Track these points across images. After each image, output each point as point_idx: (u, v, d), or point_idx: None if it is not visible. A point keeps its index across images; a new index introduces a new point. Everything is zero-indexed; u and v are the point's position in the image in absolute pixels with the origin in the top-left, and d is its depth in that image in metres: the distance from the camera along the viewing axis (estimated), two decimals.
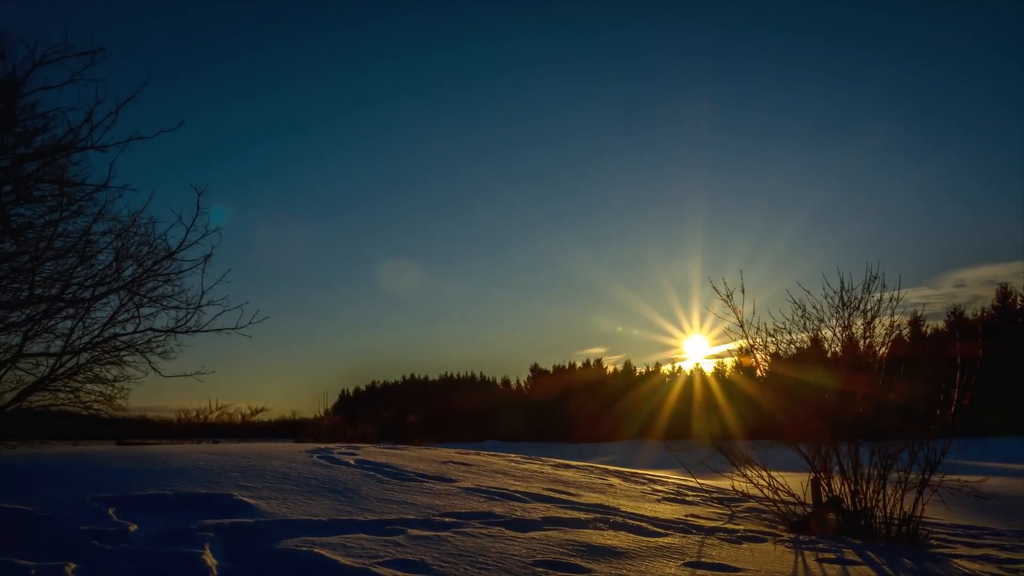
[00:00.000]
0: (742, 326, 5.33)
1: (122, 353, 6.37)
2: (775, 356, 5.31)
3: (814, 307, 5.14)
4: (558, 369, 55.81)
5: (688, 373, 49.83)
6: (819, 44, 50.66)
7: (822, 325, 5.10)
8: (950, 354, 4.63)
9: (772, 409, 5.29)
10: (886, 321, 4.95)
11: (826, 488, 4.75)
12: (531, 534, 3.57)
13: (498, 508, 4.20)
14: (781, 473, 5.00)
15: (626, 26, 55.11)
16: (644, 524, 4.21)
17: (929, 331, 28.49)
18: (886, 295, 4.96)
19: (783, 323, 5.27)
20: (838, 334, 5.04)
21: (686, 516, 4.75)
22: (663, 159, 62.61)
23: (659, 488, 6.29)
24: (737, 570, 3.21)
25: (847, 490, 4.68)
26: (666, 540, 3.79)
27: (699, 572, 3.11)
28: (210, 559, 2.69)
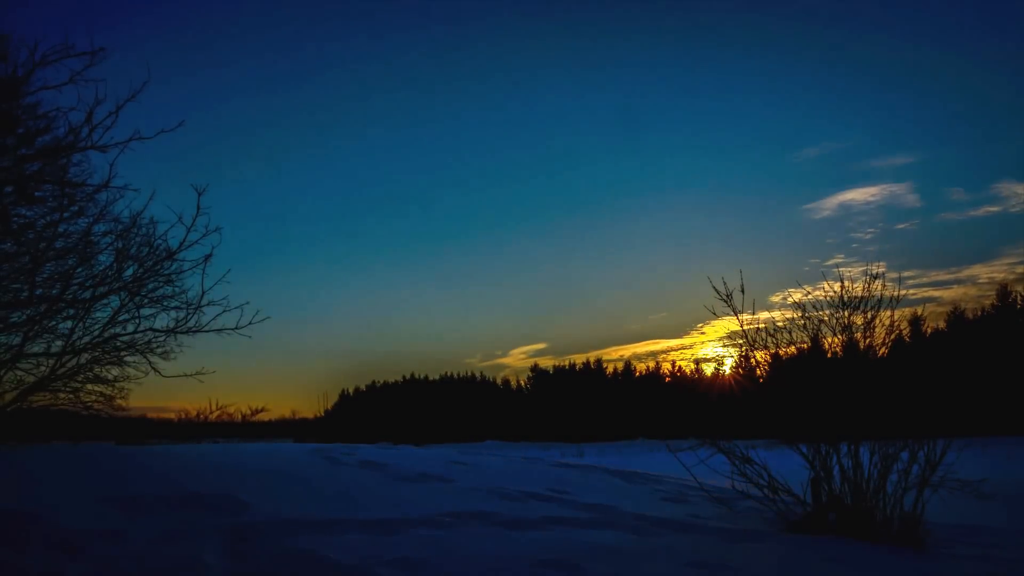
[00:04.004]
0: (742, 326, 5.34)
1: (122, 353, 6.36)
2: (775, 356, 5.31)
3: (814, 307, 5.14)
4: (558, 369, 55.84)
5: (689, 373, 49.87)
6: None
7: (822, 325, 5.10)
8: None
9: (773, 409, 5.29)
10: (886, 321, 4.95)
11: (826, 488, 4.75)
12: (531, 534, 3.58)
13: (498, 508, 4.20)
14: (781, 473, 5.00)
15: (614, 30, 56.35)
16: (644, 524, 4.21)
17: (929, 331, 28.54)
18: (886, 294, 4.97)
19: (783, 323, 5.28)
20: (838, 334, 5.04)
21: (686, 516, 4.75)
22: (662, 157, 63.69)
23: (659, 488, 6.29)
24: (737, 570, 3.21)
25: (847, 490, 4.68)
26: (666, 540, 3.79)
27: (699, 572, 3.11)
28: (210, 559, 2.69)
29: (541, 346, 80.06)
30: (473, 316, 78.16)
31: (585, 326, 76.87)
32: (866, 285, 4.98)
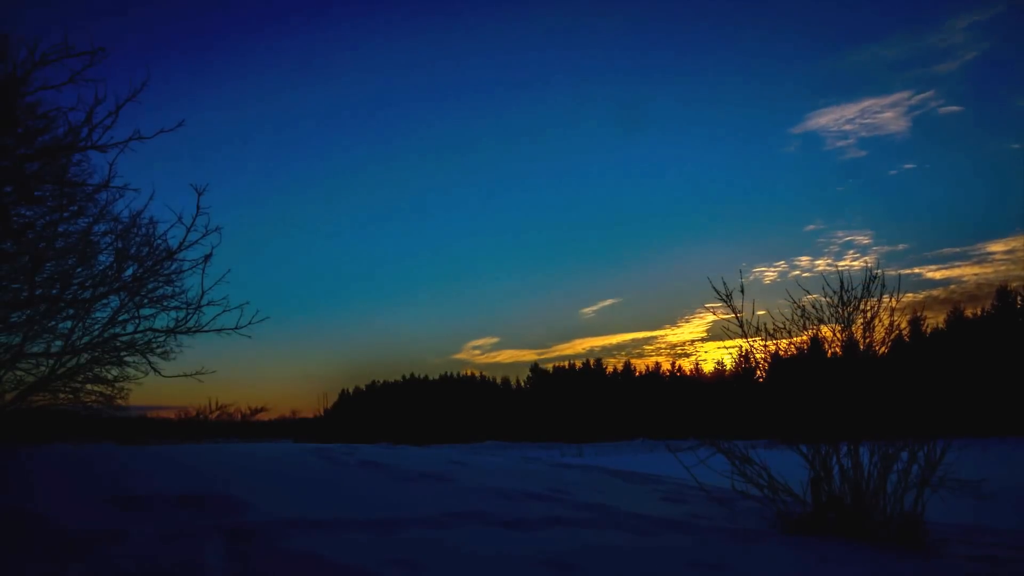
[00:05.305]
0: (741, 326, 5.33)
1: (122, 353, 6.37)
2: (775, 356, 5.31)
3: (813, 307, 5.14)
4: (558, 369, 55.90)
5: (689, 372, 49.92)
6: None
7: (822, 325, 5.11)
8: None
9: (773, 409, 5.28)
10: (886, 320, 4.95)
11: (826, 488, 4.76)
12: (531, 534, 3.58)
13: (498, 508, 4.20)
14: (781, 473, 5.00)
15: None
16: (644, 524, 4.21)
17: (929, 330, 28.57)
18: (886, 295, 4.97)
19: (783, 323, 5.27)
20: (838, 334, 5.04)
21: (685, 516, 4.76)
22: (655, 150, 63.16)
23: (659, 488, 6.30)
24: (737, 570, 3.21)
25: (847, 490, 4.68)
26: (666, 540, 3.79)
27: (699, 572, 3.11)
28: (210, 559, 2.69)
29: (494, 340, 78.83)
30: (417, 315, 77.66)
31: (533, 316, 75.68)
32: (865, 285, 4.98)
